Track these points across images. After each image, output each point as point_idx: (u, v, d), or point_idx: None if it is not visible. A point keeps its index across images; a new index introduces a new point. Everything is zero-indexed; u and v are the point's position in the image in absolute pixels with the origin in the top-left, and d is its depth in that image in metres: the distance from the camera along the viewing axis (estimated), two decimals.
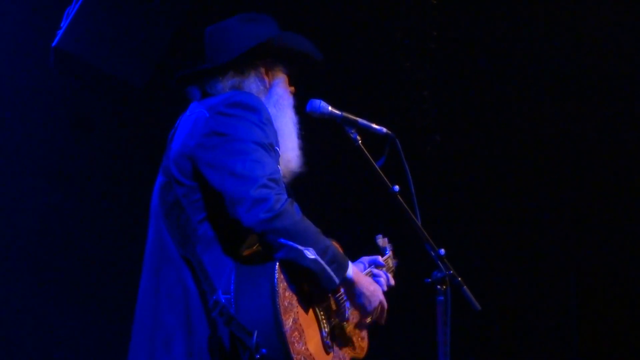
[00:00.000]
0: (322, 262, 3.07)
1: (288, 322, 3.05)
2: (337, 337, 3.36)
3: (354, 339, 3.49)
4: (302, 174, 3.43)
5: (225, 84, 3.35)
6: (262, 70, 3.39)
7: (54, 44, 5.31)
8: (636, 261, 6.36)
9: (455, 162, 6.69)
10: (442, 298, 3.19)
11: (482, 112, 6.65)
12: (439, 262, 3.23)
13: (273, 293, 3.03)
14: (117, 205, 5.89)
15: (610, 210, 6.41)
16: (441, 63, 6.58)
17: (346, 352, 3.41)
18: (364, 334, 3.54)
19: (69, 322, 5.71)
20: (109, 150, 5.97)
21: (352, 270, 3.21)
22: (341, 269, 3.14)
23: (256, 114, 3.17)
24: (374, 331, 3.57)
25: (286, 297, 3.08)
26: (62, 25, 5.30)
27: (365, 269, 3.54)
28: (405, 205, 3.27)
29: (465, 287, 3.23)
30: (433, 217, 4.23)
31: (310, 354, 3.12)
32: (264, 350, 2.98)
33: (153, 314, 3.17)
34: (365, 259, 3.62)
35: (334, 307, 3.37)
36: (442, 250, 3.24)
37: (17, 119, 5.59)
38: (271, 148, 3.15)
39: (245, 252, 3.16)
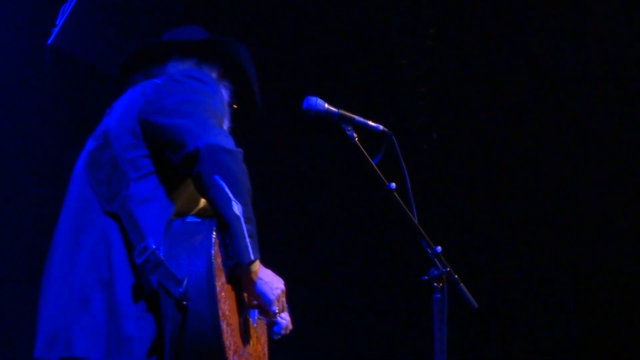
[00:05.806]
0: (243, 226, 2.78)
1: (218, 281, 2.77)
2: (248, 332, 3.05)
3: (260, 346, 3.17)
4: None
5: (183, 66, 3.25)
6: (215, 69, 3.31)
7: (49, 41, 5.30)
8: (635, 261, 6.36)
9: (452, 160, 6.69)
10: (438, 296, 3.18)
11: (479, 109, 6.65)
12: (436, 260, 3.22)
13: (209, 245, 2.77)
14: None
15: (609, 209, 6.41)
16: (438, 60, 6.58)
17: (253, 352, 3.05)
18: (266, 349, 3.24)
19: None
20: None
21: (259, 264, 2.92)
22: (257, 249, 2.82)
23: (210, 87, 3.08)
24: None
25: (219, 256, 2.82)
26: (57, 22, 5.29)
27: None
28: (401, 203, 3.26)
29: (462, 284, 3.22)
30: (430, 214, 4.23)
31: (232, 324, 2.83)
32: (189, 303, 2.71)
33: (69, 282, 2.92)
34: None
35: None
36: (439, 248, 3.23)
37: (12, 117, 5.58)
38: (221, 118, 3.04)
39: (181, 213, 2.98)
